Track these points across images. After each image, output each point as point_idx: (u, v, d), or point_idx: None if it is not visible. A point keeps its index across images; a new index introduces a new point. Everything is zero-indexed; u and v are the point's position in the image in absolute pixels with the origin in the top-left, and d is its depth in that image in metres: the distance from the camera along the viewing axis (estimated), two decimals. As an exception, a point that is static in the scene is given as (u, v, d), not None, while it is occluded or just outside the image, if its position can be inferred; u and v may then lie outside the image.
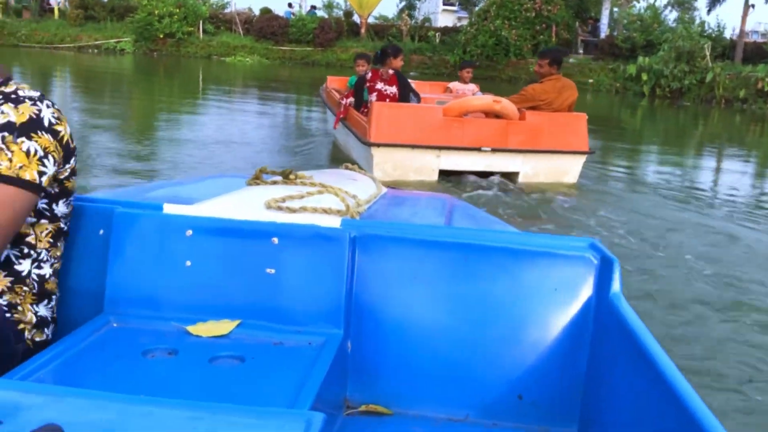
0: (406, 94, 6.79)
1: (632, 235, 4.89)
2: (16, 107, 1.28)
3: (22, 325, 1.33)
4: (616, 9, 26.10)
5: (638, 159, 9.68)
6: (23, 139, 1.25)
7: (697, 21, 23.96)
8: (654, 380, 1.05)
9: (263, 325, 1.41)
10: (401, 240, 1.46)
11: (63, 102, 11.11)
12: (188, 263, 1.45)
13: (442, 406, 1.43)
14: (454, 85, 8.56)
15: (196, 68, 21.03)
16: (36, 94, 1.33)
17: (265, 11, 27.63)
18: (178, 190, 2.11)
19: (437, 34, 25.92)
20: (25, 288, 1.36)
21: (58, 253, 1.45)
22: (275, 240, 1.45)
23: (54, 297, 1.44)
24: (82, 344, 1.29)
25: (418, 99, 6.99)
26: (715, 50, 20.11)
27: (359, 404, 1.44)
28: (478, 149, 6.19)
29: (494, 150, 6.22)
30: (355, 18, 27.44)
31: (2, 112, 1.26)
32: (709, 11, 27.37)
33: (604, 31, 25.06)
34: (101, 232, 1.51)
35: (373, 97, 6.63)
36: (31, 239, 1.38)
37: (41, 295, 1.39)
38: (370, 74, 6.82)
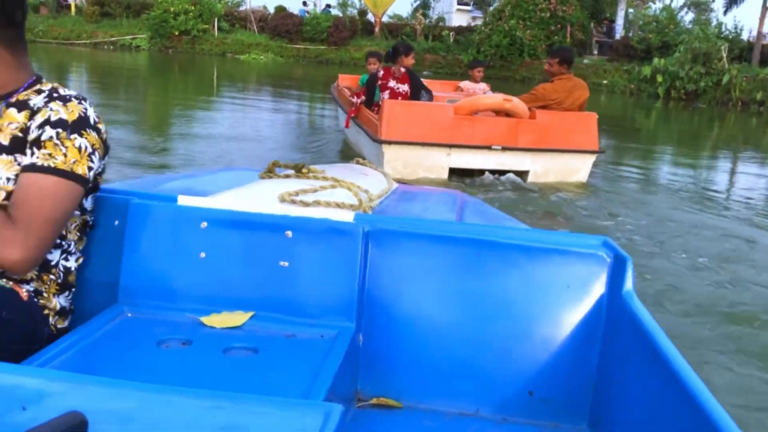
0: (417, 92, 6.78)
1: (642, 235, 4.85)
2: (65, 105, 1.32)
3: (47, 311, 1.37)
4: (631, 10, 25.93)
5: (651, 160, 9.60)
6: (75, 135, 1.31)
7: (714, 22, 23.77)
8: (668, 379, 1.04)
9: (276, 317, 1.42)
10: (414, 235, 1.46)
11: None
12: (202, 255, 1.46)
13: (452, 400, 1.44)
14: (465, 84, 8.54)
15: (211, 65, 21.12)
16: (75, 93, 1.38)
17: (280, 9, 27.71)
18: (192, 183, 2.11)
19: (451, 34, 25.88)
20: (51, 277, 1.38)
21: (81, 246, 1.48)
22: (289, 233, 1.45)
23: (73, 289, 1.46)
24: (98, 333, 1.30)
25: (430, 96, 6.97)
26: (732, 52, 19.92)
27: (370, 397, 1.45)
28: (489, 148, 6.18)
29: (504, 148, 6.21)
30: (370, 17, 27.47)
31: (51, 109, 1.31)
32: (725, 12, 27.13)
33: (619, 32, 24.91)
34: (116, 222, 1.52)
35: (386, 95, 6.63)
36: (63, 231, 1.41)
37: (64, 286, 1.42)
38: (382, 72, 6.81)
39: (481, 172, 6.39)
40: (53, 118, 1.30)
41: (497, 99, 6.34)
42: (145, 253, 1.47)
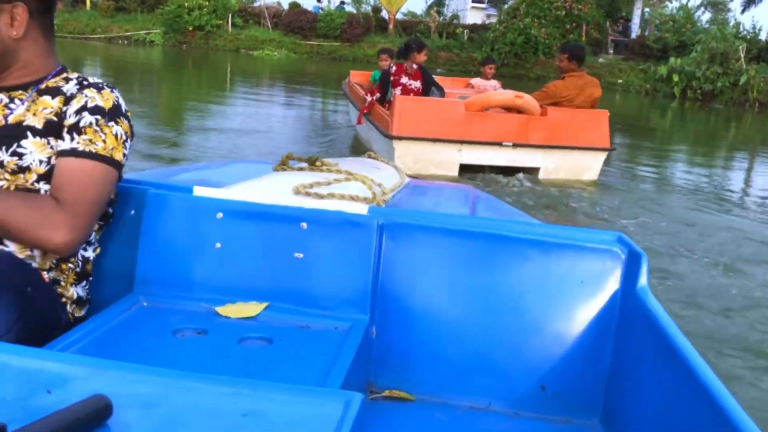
0: (428, 89, 6.78)
1: (656, 234, 4.78)
2: (99, 92, 1.36)
3: (64, 299, 1.38)
4: (647, 9, 25.71)
5: (666, 159, 9.50)
6: (112, 123, 1.35)
7: (732, 22, 23.51)
8: (683, 376, 1.04)
9: (290, 308, 1.42)
10: (428, 228, 1.47)
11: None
12: (218, 245, 1.47)
13: (464, 393, 1.44)
14: (476, 81, 8.55)
15: (224, 61, 21.16)
16: (103, 81, 1.41)
17: (294, 6, 27.73)
18: (207, 174, 2.12)
19: (465, 32, 25.77)
20: (69, 266, 1.39)
21: (99, 236, 1.49)
22: (304, 225, 1.46)
23: (90, 278, 1.47)
24: (114, 321, 1.31)
25: (442, 93, 6.95)
26: (750, 52, 19.68)
27: (382, 389, 1.46)
28: (500, 144, 6.17)
29: (515, 145, 6.19)
30: (384, 14, 27.41)
31: (87, 96, 1.34)
32: (743, 11, 26.84)
33: (635, 31, 24.72)
34: (132, 212, 1.53)
35: (398, 91, 6.63)
36: None
37: (81, 276, 1.43)
38: (394, 68, 6.80)
39: (492, 171, 6.37)
40: (90, 105, 1.33)
41: (508, 95, 6.34)
42: (161, 243, 1.48)
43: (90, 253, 1.45)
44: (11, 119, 1.32)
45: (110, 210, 1.49)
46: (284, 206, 1.48)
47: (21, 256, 1.30)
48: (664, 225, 5.11)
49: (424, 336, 1.46)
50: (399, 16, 27.86)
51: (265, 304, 1.42)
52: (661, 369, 1.15)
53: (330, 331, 1.36)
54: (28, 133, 1.31)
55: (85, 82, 1.38)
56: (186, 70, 18.21)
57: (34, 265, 1.32)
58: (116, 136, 1.35)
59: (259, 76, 17.89)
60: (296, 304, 1.43)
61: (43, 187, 1.32)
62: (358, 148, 7.34)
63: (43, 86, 1.37)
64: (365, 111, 7.10)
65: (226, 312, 1.39)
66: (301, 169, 1.97)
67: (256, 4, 28.84)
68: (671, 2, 26.63)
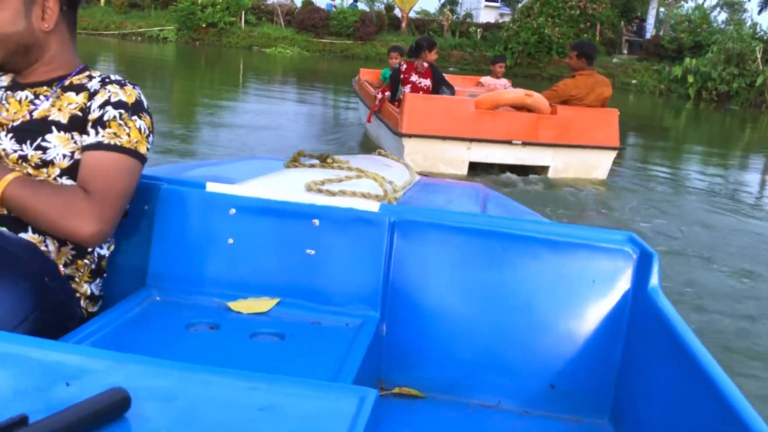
0: (439, 87, 6.77)
1: (667, 235, 4.70)
2: (122, 88, 1.38)
3: (78, 294, 1.40)
4: (663, 9, 25.49)
5: (679, 160, 9.40)
6: (135, 117, 1.37)
7: (749, 23, 23.24)
8: (695, 376, 1.03)
9: (302, 304, 1.44)
10: (439, 226, 1.47)
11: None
12: (230, 241, 1.49)
13: (474, 391, 1.44)
14: (486, 79, 8.54)
15: (237, 58, 21.21)
16: (124, 78, 1.43)
17: (307, 3, 27.73)
18: (219, 170, 2.14)
19: (479, 30, 25.67)
20: (85, 262, 1.40)
21: (113, 233, 1.50)
22: (316, 222, 1.47)
23: (105, 274, 1.48)
24: (128, 315, 1.33)
25: (452, 92, 6.94)
26: (767, 53, 19.45)
27: (392, 386, 1.47)
28: (509, 142, 6.16)
29: (525, 143, 6.18)
30: (397, 12, 27.36)
31: (110, 91, 1.37)
32: (760, 12, 26.56)
33: (649, 31, 24.50)
34: (146, 207, 1.54)
35: (407, 89, 6.64)
36: None
37: (96, 272, 1.44)
38: (405, 66, 6.80)
39: (501, 170, 6.35)
40: (113, 99, 1.36)
41: (518, 94, 6.34)
42: (174, 238, 1.50)
43: (105, 251, 1.46)
44: (36, 114, 1.34)
45: (127, 206, 1.50)
46: (296, 203, 1.49)
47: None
48: (674, 226, 5.05)
49: (434, 333, 1.46)
50: (412, 14, 27.77)
51: (276, 300, 1.44)
52: (672, 369, 1.15)
53: (341, 327, 1.37)
54: (53, 128, 1.33)
55: (107, 79, 1.40)
56: (199, 66, 18.26)
57: (51, 259, 1.33)
58: (140, 130, 1.37)
59: (271, 73, 17.91)
60: (308, 300, 1.45)
61: (65, 182, 1.33)
62: (368, 146, 7.35)
63: (67, 83, 1.39)
64: (375, 109, 7.09)
65: (238, 307, 1.40)
66: (312, 166, 1.97)
67: (269, 2, 28.85)
68: (687, 2, 26.38)
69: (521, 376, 1.43)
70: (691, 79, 18.99)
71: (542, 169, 6.37)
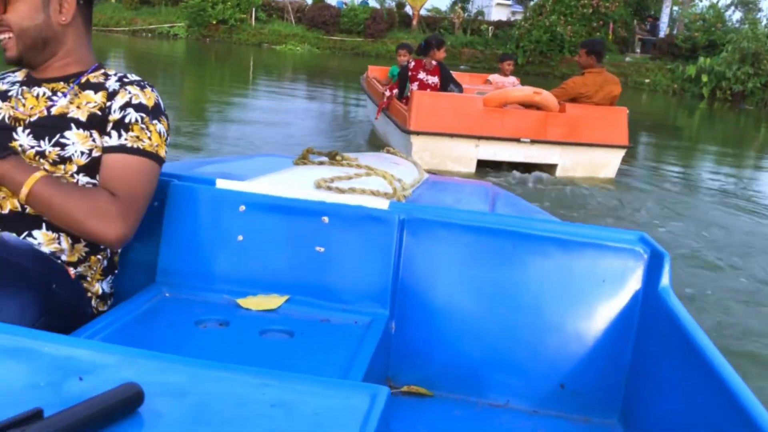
0: (447, 85, 6.72)
1: (677, 235, 4.59)
2: (142, 90, 1.40)
3: (90, 294, 1.40)
4: (676, 8, 25.25)
5: (691, 159, 9.28)
6: (155, 121, 1.39)
7: (764, 22, 22.98)
8: (705, 375, 1.03)
9: (311, 301, 1.44)
10: (448, 225, 1.47)
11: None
12: (240, 238, 1.49)
13: (482, 390, 1.44)
14: (494, 77, 8.46)
15: (247, 55, 21.20)
16: (141, 79, 1.44)
17: (318, 0, 27.68)
18: (228, 167, 2.15)
19: (490, 28, 25.55)
20: (98, 258, 1.41)
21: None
22: (325, 219, 1.48)
23: (116, 271, 1.49)
24: (138, 311, 1.34)
25: (460, 90, 6.89)
26: (783, 52, 19.21)
27: (401, 384, 1.47)
28: (517, 140, 6.10)
29: (533, 141, 6.12)
30: (408, 9, 27.26)
31: (130, 93, 1.38)
32: (776, 12, 26.21)
33: (663, 30, 24.29)
34: (156, 203, 1.53)
35: (414, 86, 6.58)
36: None
37: (108, 270, 1.45)
38: (413, 63, 6.76)
39: (509, 168, 6.30)
40: (134, 102, 1.37)
41: (527, 91, 6.27)
42: (184, 234, 1.51)
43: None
44: (54, 110, 1.35)
45: None
46: (306, 200, 1.50)
47: (50, 249, 1.31)
48: (688, 227, 4.94)
49: (443, 332, 1.46)
50: (423, 11, 27.67)
51: (285, 297, 1.44)
52: (682, 368, 1.14)
53: (350, 325, 1.37)
54: (72, 125, 1.34)
55: (125, 79, 1.41)
56: (209, 63, 18.27)
57: (64, 258, 1.34)
58: (160, 133, 1.39)
59: (281, 70, 17.90)
60: (317, 298, 1.45)
61: (82, 179, 1.34)
62: (375, 143, 7.32)
63: (83, 80, 1.40)
64: (383, 106, 7.03)
65: (247, 304, 1.40)
66: (321, 163, 1.98)
67: (280, -1, 28.85)
68: (701, 1, 26.13)
69: (530, 375, 1.43)
70: (705, 78, 18.79)
71: (550, 167, 6.31)
